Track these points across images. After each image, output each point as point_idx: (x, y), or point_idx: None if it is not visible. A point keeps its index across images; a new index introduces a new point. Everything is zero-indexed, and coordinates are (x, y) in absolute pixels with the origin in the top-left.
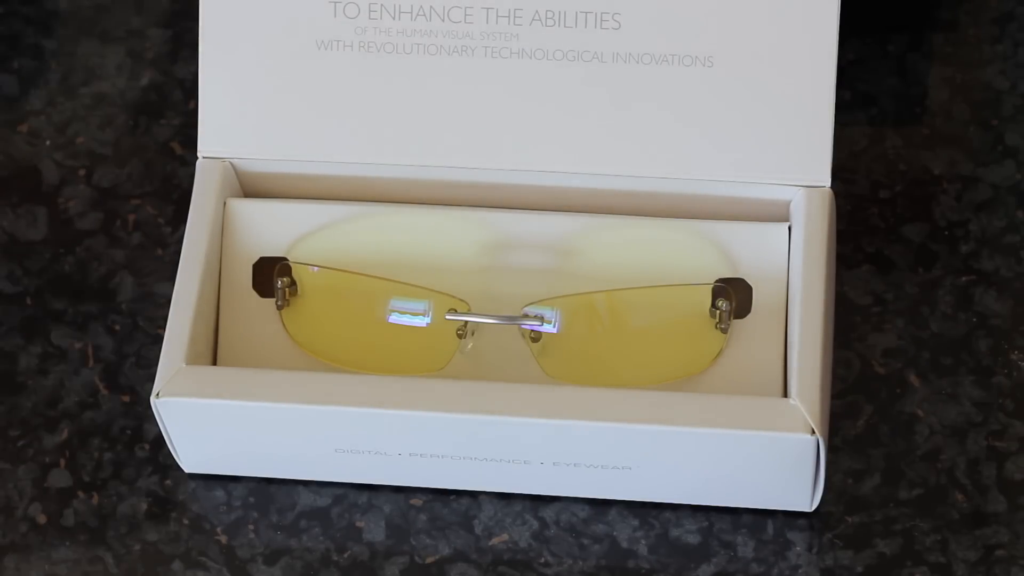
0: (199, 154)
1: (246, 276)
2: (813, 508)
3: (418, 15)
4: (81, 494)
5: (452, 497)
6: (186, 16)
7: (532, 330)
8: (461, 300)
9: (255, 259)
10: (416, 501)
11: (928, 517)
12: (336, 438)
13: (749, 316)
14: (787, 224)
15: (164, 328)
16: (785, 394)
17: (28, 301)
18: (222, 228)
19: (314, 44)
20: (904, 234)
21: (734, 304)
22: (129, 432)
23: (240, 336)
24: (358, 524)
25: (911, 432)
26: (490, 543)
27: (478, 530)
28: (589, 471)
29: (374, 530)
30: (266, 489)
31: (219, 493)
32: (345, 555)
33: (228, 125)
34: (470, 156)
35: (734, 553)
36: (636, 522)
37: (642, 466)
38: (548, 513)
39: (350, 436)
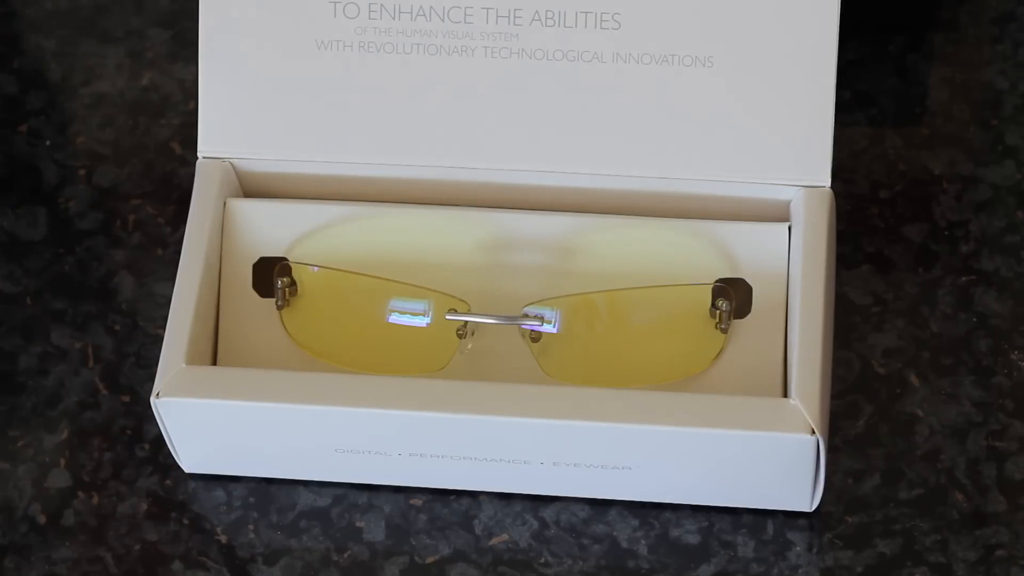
0: (199, 154)
1: (246, 276)
2: (813, 508)
3: (418, 15)
4: (81, 494)
5: (452, 497)
6: (186, 16)
7: (532, 330)
8: (461, 300)
9: (255, 259)
10: (416, 501)
11: (928, 517)
12: (336, 438)
13: (749, 316)
14: (787, 224)
15: (164, 328)
16: (785, 394)
17: (28, 301)
18: (222, 228)
19: (314, 44)
20: (904, 234)
21: (734, 304)
22: (129, 432)
23: (240, 336)
24: (358, 524)
25: (911, 432)
26: (490, 543)
27: (478, 530)
28: (589, 471)
29: (374, 530)
30: (266, 489)
31: (219, 493)
32: (345, 555)
33: (228, 125)
34: (470, 156)
35: (734, 553)
36: (636, 522)
37: (642, 466)
38: (548, 513)
39: (350, 436)
